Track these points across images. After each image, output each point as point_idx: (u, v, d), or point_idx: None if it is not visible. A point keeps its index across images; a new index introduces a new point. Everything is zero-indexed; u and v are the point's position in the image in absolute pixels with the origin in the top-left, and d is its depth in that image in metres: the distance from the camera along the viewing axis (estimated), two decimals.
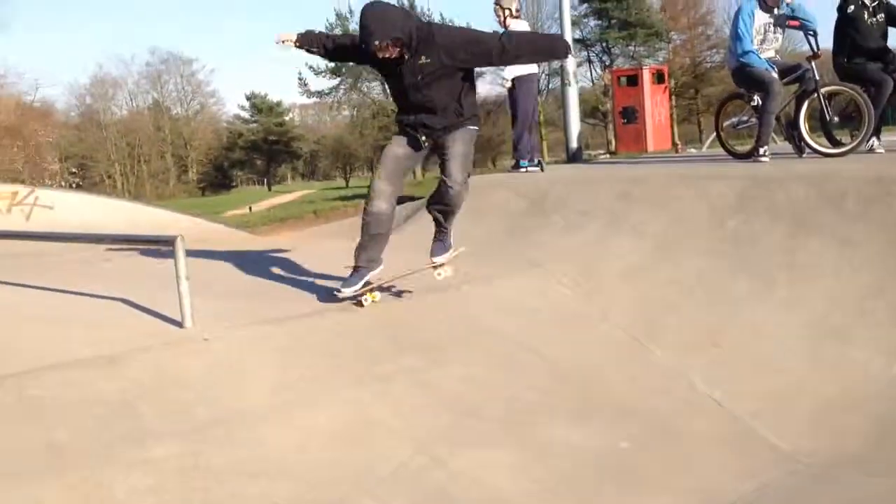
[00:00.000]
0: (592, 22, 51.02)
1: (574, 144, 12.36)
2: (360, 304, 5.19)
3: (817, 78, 8.06)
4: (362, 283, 5.19)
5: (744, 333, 5.07)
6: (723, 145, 9.25)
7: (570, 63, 12.22)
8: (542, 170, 9.90)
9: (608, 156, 20.86)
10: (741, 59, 8.21)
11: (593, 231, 6.64)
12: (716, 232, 6.04)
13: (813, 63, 8.13)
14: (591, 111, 46.02)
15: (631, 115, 19.81)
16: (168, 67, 71.08)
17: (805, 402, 4.46)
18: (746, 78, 8.36)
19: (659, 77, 21.02)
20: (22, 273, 6.60)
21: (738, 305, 5.30)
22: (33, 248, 8.10)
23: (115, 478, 3.25)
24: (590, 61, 51.35)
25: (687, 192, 6.65)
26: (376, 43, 4.70)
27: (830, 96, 8.26)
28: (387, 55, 4.79)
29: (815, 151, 8.21)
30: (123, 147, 63.52)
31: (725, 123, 9.21)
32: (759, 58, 8.15)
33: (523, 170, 9.72)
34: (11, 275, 6.38)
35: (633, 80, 20.59)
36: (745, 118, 8.82)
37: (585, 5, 50.29)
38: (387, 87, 5.38)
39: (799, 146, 8.45)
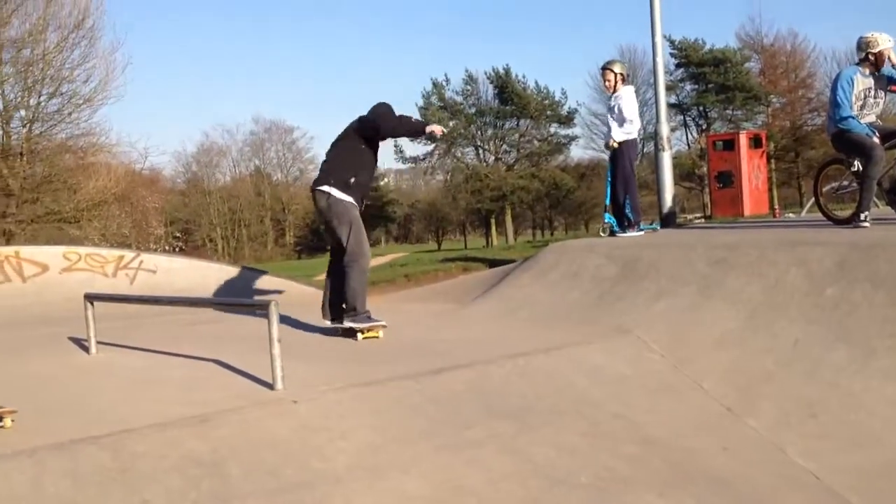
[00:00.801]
0: (689, 86, 50.79)
1: (667, 209, 12.22)
2: (354, 335, 6.54)
3: None
4: (371, 322, 6.58)
5: (842, 404, 4.86)
6: (822, 210, 9.01)
7: (665, 128, 12.16)
8: (645, 231, 9.95)
9: (703, 220, 20.50)
10: (840, 125, 8.04)
11: (685, 297, 6.51)
12: (814, 299, 5.84)
13: None
14: (686, 175, 45.52)
15: (727, 179, 19.49)
16: (270, 135, 73.73)
17: None
18: (846, 143, 8.17)
19: (756, 141, 20.66)
20: (123, 334, 6.87)
21: (836, 375, 5.09)
22: (135, 310, 8.42)
23: None
24: (685, 125, 51.03)
25: (784, 259, 6.47)
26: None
27: None
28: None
29: None
30: (225, 212, 65.81)
31: (825, 188, 9.00)
32: (860, 123, 7.97)
33: (630, 234, 9.65)
34: (113, 336, 6.64)
35: (730, 144, 20.28)
36: (845, 183, 8.61)
37: (682, 70, 50.15)
38: (370, 159, 6.86)
39: None
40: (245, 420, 4.16)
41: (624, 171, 9.76)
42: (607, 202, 10.29)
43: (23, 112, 28.48)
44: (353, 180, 6.65)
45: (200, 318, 8.30)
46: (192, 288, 9.46)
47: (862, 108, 8.09)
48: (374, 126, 6.76)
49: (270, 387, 4.63)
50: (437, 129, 7.00)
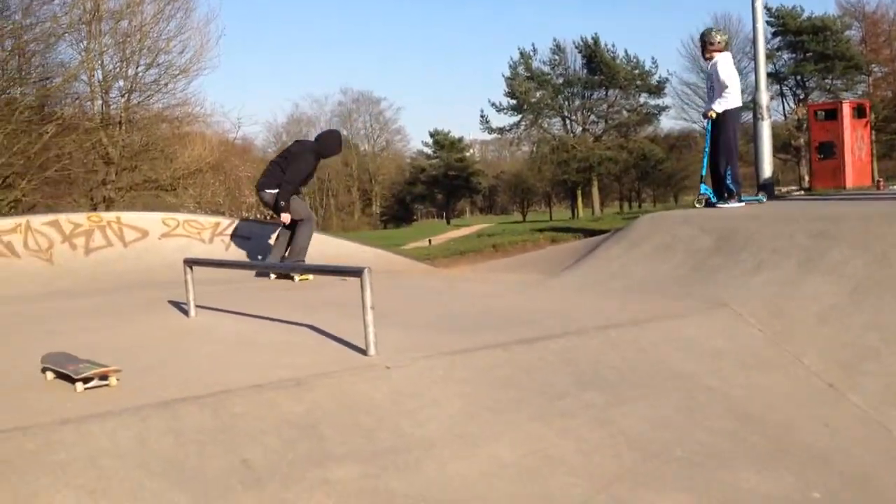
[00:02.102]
0: (787, 55, 49.16)
1: (765, 180, 11.88)
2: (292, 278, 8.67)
3: None
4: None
5: None
6: None
7: (764, 97, 11.77)
8: (747, 203, 9.67)
9: (802, 192, 19.87)
10: None
11: (786, 270, 6.30)
12: None
13: None
14: (782, 146, 44.18)
15: (828, 150, 18.81)
16: (358, 106, 74.47)
17: None
18: None
19: (860, 111, 19.87)
20: (220, 298, 7.04)
21: None
22: (230, 275, 8.62)
23: (299, 496, 3.37)
24: (782, 95, 49.45)
25: (891, 231, 6.20)
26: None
27: None
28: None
29: None
30: (314, 182, 66.84)
31: None
32: None
33: (731, 205, 9.38)
34: (211, 300, 6.81)
35: (832, 114, 19.55)
36: None
37: (779, 38, 48.54)
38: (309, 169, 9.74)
39: None
40: (339, 384, 4.22)
41: (727, 140, 9.48)
42: (703, 172, 10.04)
43: (121, 82, 29.42)
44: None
45: (294, 284, 8.45)
46: None
47: None
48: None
49: (363, 352, 4.68)
50: (284, 219, 9.29)
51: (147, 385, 4.19)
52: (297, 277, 8.68)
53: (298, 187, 9.49)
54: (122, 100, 29.55)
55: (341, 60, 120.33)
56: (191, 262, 6.40)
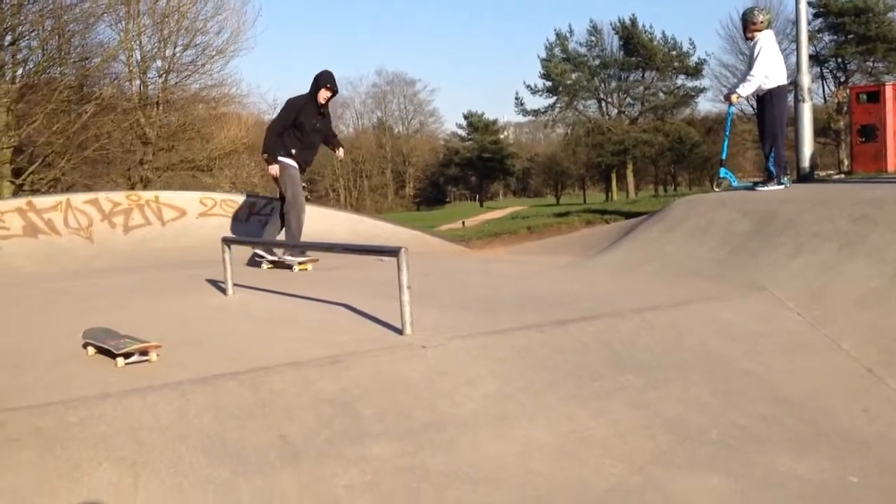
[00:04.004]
0: (827, 37, 48.32)
1: (806, 163, 11.69)
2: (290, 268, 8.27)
3: None
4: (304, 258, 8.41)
5: None
6: None
7: (805, 78, 11.57)
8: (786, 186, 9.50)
9: (842, 175, 19.57)
10: None
11: (825, 254, 6.22)
12: None
13: None
14: (822, 129, 43.50)
15: (870, 133, 18.46)
16: (392, 88, 74.48)
17: None
18: None
19: None
20: (257, 277, 7.11)
21: None
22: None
23: (335, 472, 3.41)
24: (822, 77, 48.63)
25: None
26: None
27: None
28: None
29: None
30: (348, 163, 67.14)
31: None
32: None
33: (770, 188, 9.25)
34: (247, 279, 6.89)
35: (875, 96, 19.17)
36: None
37: (820, 20, 47.72)
38: (289, 117, 8.63)
39: None
40: (375, 362, 4.25)
41: (773, 122, 9.29)
42: (723, 157, 9.95)
43: (159, 63, 29.73)
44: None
45: (331, 264, 8.50)
46: (321, 235, 9.67)
47: None
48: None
49: (399, 332, 4.70)
50: (271, 171, 8.63)
51: (187, 361, 4.25)
52: (295, 267, 8.27)
53: (284, 142, 8.48)
54: (160, 80, 29.87)
55: (377, 41, 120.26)
56: (229, 241, 6.46)
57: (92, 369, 4.20)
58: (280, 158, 8.47)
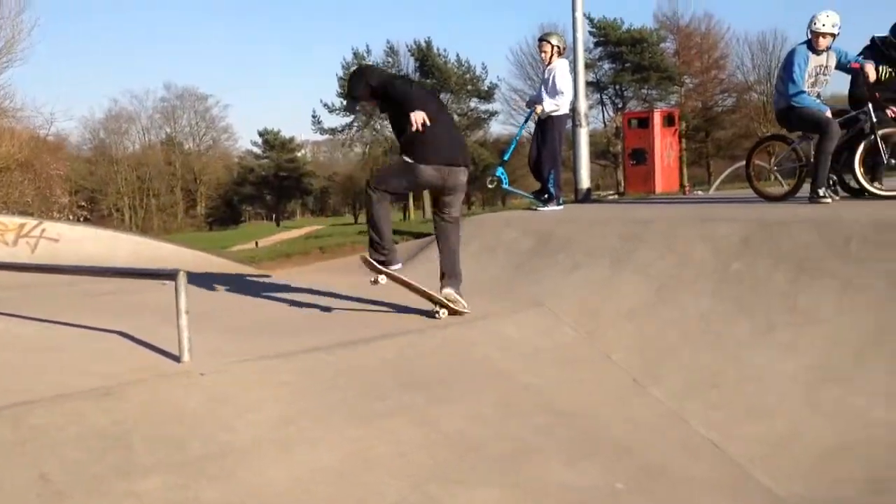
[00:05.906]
0: (607, 65, 51.38)
1: (584, 185, 12.37)
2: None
3: (874, 120, 8.02)
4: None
5: (743, 376, 5.01)
6: (753, 187, 9.18)
7: (583, 104, 12.26)
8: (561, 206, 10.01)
9: (616, 196, 20.87)
10: (793, 100, 8.19)
11: (598, 271, 6.62)
12: (719, 274, 6.01)
13: (870, 105, 8.06)
14: (601, 153, 46.22)
15: (640, 156, 19.88)
16: (182, 103, 71.93)
17: (802, 448, 4.39)
18: (797, 119, 8.32)
19: (669, 120, 21.10)
20: (24, 305, 6.62)
21: (738, 348, 5.25)
22: (37, 279, 8.11)
23: None
24: (602, 103, 51.66)
25: (692, 234, 6.63)
26: None
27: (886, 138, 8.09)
28: None
29: (873, 195, 8.10)
30: (133, 181, 64.13)
31: (771, 165, 9.24)
32: (813, 99, 8.14)
33: (550, 208, 9.70)
34: (13, 306, 6.39)
35: (644, 122, 20.68)
36: (785, 160, 8.84)
37: (600, 49, 50.68)
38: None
39: (835, 189, 8.43)
40: (150, 392, 4.06)
41: (553, 144, 9.76)
42: (505, 157, 10.74)
43: None
44: None
45: (106, 289, 8.05)
46: (99, 258, 9.14)
47: (813, 84, 8.24)
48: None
49: (177, 359, 4.51)
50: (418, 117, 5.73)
51: None
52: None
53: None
54: None
55: (164, 55, 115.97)
56: None
57: None
58: None
